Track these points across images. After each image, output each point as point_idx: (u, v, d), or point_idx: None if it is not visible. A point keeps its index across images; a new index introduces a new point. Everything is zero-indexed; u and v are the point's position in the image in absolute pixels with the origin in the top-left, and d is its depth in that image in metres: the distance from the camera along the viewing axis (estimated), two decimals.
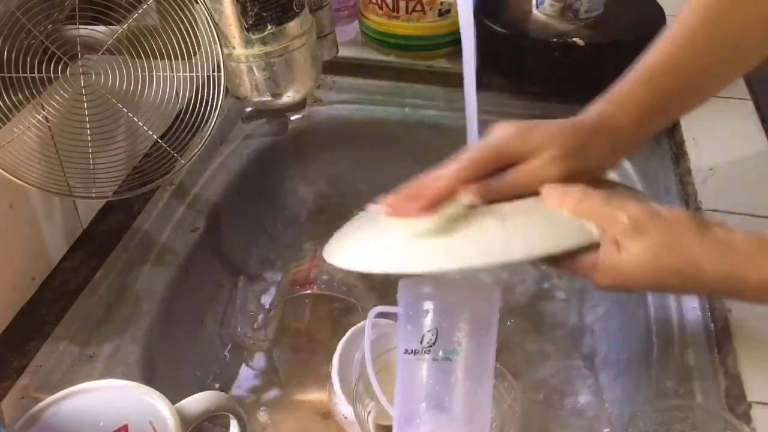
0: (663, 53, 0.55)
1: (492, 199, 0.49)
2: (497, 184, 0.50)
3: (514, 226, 0.48)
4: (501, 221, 0.48)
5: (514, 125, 0.51)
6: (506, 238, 0.47)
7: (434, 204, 0.49)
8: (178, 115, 0.65)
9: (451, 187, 0.49)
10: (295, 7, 0.64)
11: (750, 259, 0.44)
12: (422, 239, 0.49)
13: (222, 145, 0.85)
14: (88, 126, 0.62)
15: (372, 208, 0.52)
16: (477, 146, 0.51)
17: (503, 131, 0.51)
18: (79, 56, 0.61)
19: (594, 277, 0.47)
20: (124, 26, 0.61)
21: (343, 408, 0.63)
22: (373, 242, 0.53)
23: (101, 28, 0.61)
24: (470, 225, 0.48)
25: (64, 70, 0.60)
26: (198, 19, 0.61)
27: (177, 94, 0.64)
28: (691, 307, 0.62)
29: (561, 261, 0.48)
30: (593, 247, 0.47)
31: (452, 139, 0.59)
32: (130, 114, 0.63)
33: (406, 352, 0.53)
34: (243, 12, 0.62)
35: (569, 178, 0.49)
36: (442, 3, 0.91)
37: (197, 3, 0.60)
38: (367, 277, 0.80)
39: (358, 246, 0.54)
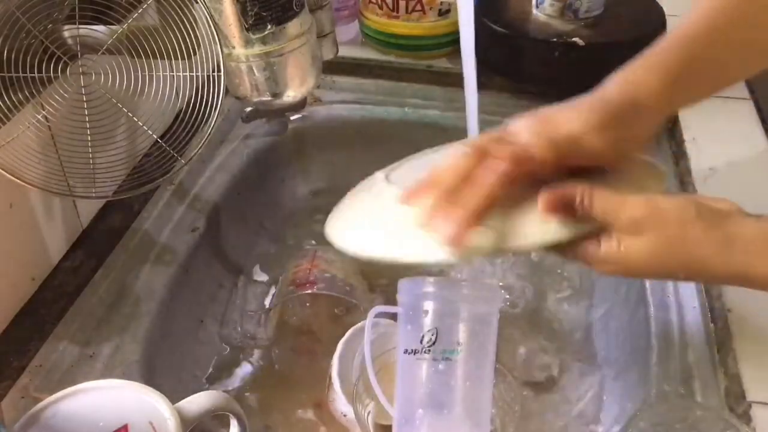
0: (696, 24, 0.52)
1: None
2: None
3: (516, 218, 0.47)
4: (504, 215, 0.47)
5: (530, 120, 0.49)
6: (512, 228, 0.46)
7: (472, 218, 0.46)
8: (178, 115, 0.65)
9: (487, 203, 0.46)
10: (295, 7, 0.64)
11: (758, 254, 0.43)
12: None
13: (222, 145, 0.85)
14: (88, 126, 0.62)
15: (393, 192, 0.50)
16: (510, 154, 0.48)
17: (524, 131, 0.49)
18: (79, 56, 0.61)
19: (596, 266, 0.47)
20: (124, 26, 0.61)
21: (343, 407, 0.63)
22: (381, 224, 0.50)
23: (101, 28, 0.61)
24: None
25: (64, 70, 0.60)
26: (198, 19, 0.61)
27: (177, 94, 0.64)
28: (691, 307, 0.62)
29: (563, 251, 0.48)
30: (595, 234, 0.46)
31: (452, 139, 0.59)
32: (130, 114, 0.63)
33: (406, 352, 0.53)
34: (243, 12, 0.62)
35: (608, 150, 0.49)
36: (442, 3, 0.91)
37: (197, 3, 0.60)
38: (367, 277, 0.80)
39: (364, 227, 0.52)
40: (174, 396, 0.48)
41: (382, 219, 0.51)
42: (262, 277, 0.84)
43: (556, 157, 0.48)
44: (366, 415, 0.59)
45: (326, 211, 0.56)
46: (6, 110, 0.57)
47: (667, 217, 0.44)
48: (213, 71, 0.63)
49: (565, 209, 0.46)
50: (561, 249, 0.48)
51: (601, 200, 0.45)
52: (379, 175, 0.56)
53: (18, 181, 0.58)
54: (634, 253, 0.44)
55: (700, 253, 0.44)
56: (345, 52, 0.88)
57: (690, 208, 0.45)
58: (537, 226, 0.46)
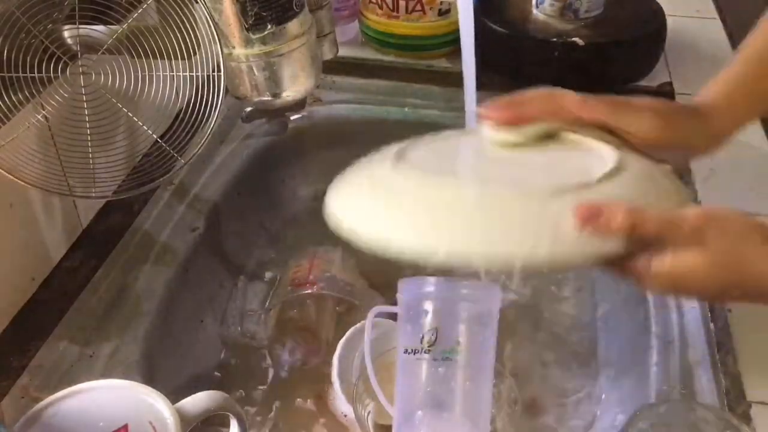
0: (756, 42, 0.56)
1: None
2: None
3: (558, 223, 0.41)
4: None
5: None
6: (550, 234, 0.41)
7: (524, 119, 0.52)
8: (178, 115, 0.65)
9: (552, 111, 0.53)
10: (294, 7, 0.64)
11: None
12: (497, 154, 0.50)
13: (222, 145, 0.85)
14: (87, 126, 0.62)
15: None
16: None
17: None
18: (79, 56, 0.61)
19: (646, 282, 0.44)
20: (124, 26, 0.61)
21: (343, 407, 0.63)
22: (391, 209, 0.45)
23: (101, 27, 0.61)
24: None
25: (64, 70, 0.60)
26: (198, 19, 0.61)
27: (177, 94, 0.64)
28: (691, 307, 0.62)
29: (609, 265, 0.44)
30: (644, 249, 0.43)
31: None
32: (130, 114, 0.63)
33: (406, 351, 0.53)
34: (243, 12, 0.62)
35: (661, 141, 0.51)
36: (441, 3, 0.91)
37: (197, 3, 0.60)
38: (367, 276, 0.80)
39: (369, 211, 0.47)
40: (174, 396, 0.48)
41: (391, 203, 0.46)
42: (262, 277, 0.84)
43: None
44: (366, 415, 0.59)
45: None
46: (6, 110, 0.57)
47: (724, 232, 0.42)
48: (213, 71, 0.63)
49: (602, 224, 0.41)
50: (607, 263, 0.44)
51: (656, 216, 0.42)
52: (390, 152, 0.54)
53: (18, 180, 0.58)
54: (690, 266, 0.42)
55: (758, 271, 0.42)
56: (345, 52, 0.88)
57: (745, 223, 0.43)
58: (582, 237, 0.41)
